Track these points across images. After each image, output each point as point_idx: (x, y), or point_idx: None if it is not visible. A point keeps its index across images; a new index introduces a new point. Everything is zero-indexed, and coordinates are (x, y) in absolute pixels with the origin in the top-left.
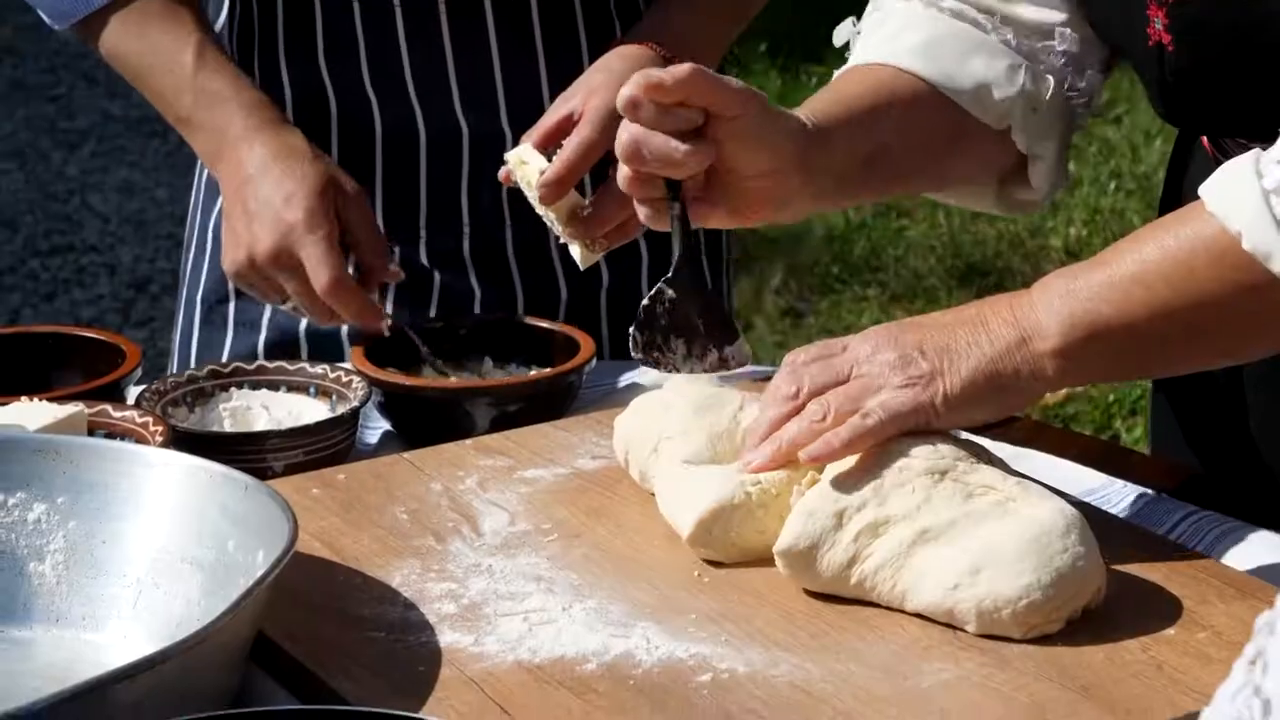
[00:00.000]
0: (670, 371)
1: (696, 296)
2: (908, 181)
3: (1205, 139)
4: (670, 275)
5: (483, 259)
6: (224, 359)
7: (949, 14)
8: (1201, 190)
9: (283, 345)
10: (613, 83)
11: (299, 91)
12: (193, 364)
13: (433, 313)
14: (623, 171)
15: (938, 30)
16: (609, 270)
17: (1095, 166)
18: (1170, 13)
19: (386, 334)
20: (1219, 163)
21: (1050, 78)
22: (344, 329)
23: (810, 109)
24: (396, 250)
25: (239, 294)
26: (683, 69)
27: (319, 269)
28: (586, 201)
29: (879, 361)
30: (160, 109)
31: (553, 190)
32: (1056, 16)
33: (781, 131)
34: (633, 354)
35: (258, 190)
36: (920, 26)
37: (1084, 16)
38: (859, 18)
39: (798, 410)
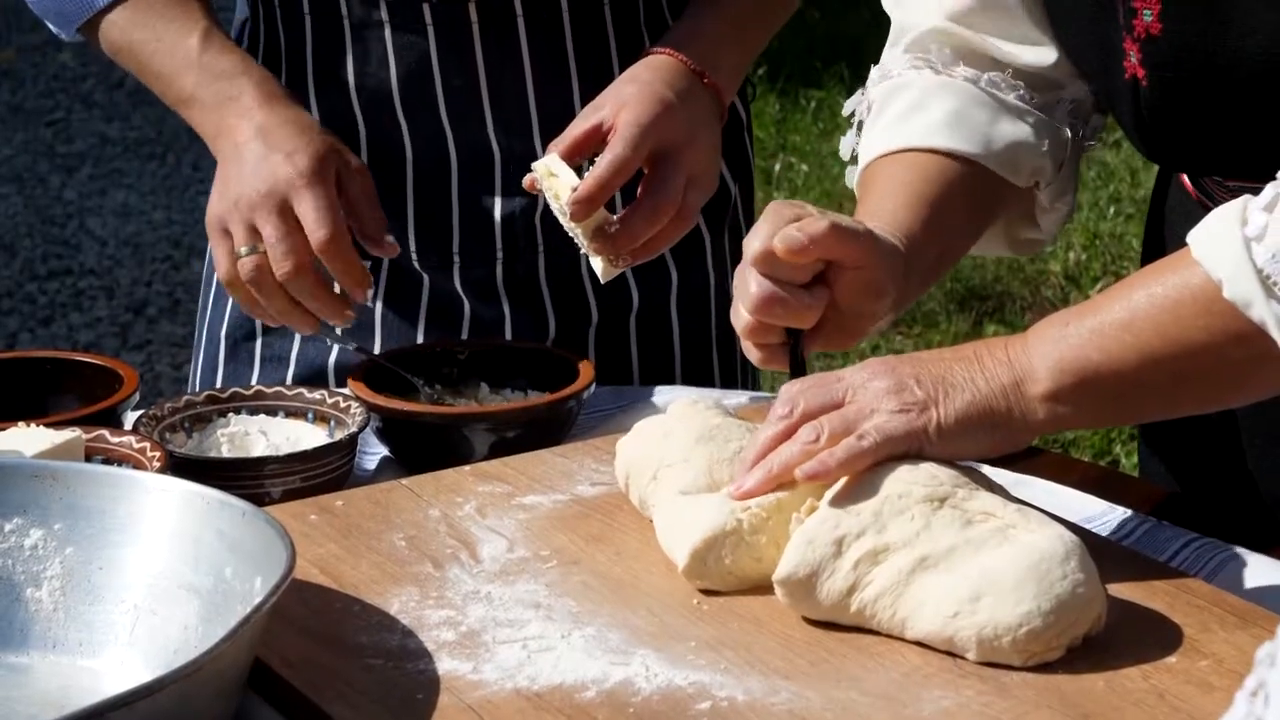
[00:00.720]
0: None
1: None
2: (961, 256)
3: (1188, 183)
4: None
5: (515, 285)
6: None
7: (963, 79)
8: (1189, 238)
9: (310, 381)
10: (643, 94)
11: (327, 119)
12: None
13: (464, 335)
14: (744, 319)
15: (961, 101)
16: (639, 294)
17: (1094, 191)
18: (1144, 47)
19: (351, 319)
20: (1194, 197)
21: (1067, 130)
22: (330, 360)
23: (893, 223)
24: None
25: (266, 330)
26: (819, 227)
27: (319, 222)
28: (614, 218)
29: (874, 388)
30: (160, 92)
31: (584, 208)
32: (1049, 56)
33: (891, 269)
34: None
35: (259, 148)
36: (941, 99)
37: (1064, 54)
38: (863, 85)
39: (790, 432)
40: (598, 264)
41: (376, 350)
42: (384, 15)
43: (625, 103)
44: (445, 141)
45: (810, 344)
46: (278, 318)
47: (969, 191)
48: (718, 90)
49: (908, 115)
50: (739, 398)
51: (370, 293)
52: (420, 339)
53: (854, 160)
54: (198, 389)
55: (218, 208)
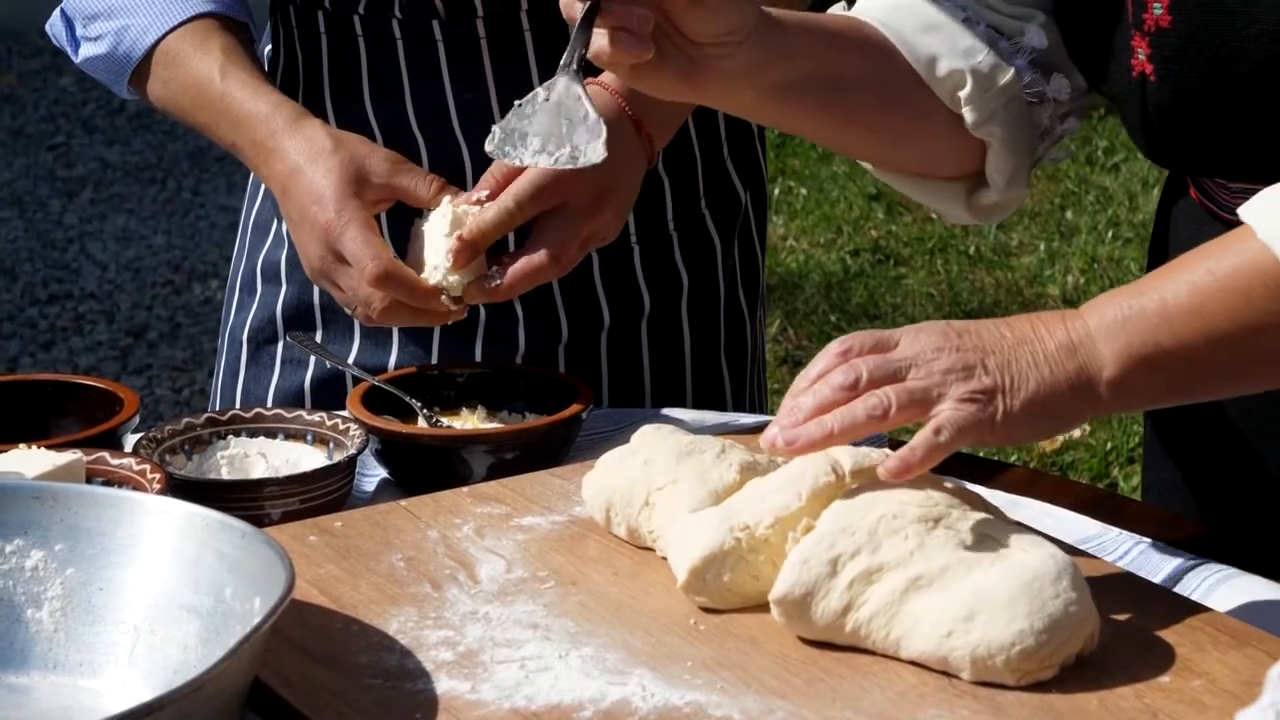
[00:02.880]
0: (517, 163)
1: (570, 98)
2: (866, 128)
3: (1193, 189)
4: (555, 77)
5: (528, 291)
6: (270, 397)
7: None
8: (1246, 215)
9: (329, 383)
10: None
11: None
12: (238, 402)
13: (478, 349)
14: None
15: (908, 1)
16: (650, 298)
17: (1093, 215)
18: (1154, 41)
19: (463, 312)
20: (1206, 209)
21: (1011, 69)
22: (350, 359)
23: (774, 7)
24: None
25: (286, 332)
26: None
27: (363, 260)
28: (494, 271)
29: (940, 367)
30: (214, 141)
31: (463, 255)
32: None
33: (743, 6)
34: (486, 146)
35: (292, 198)
36: None
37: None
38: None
39: (849, 399)
40: (449, 279)
41: (393, 357)
42: (396, 32)
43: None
44: (460, 153)
45: (649, 72)
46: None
47: (879, 60)
48: (651, 140)
49: (863, 6)
50: (746, 419)
51: (452, 279)
52: (436, 347)
53: None
54: (219, 392)
55: (308, 270)
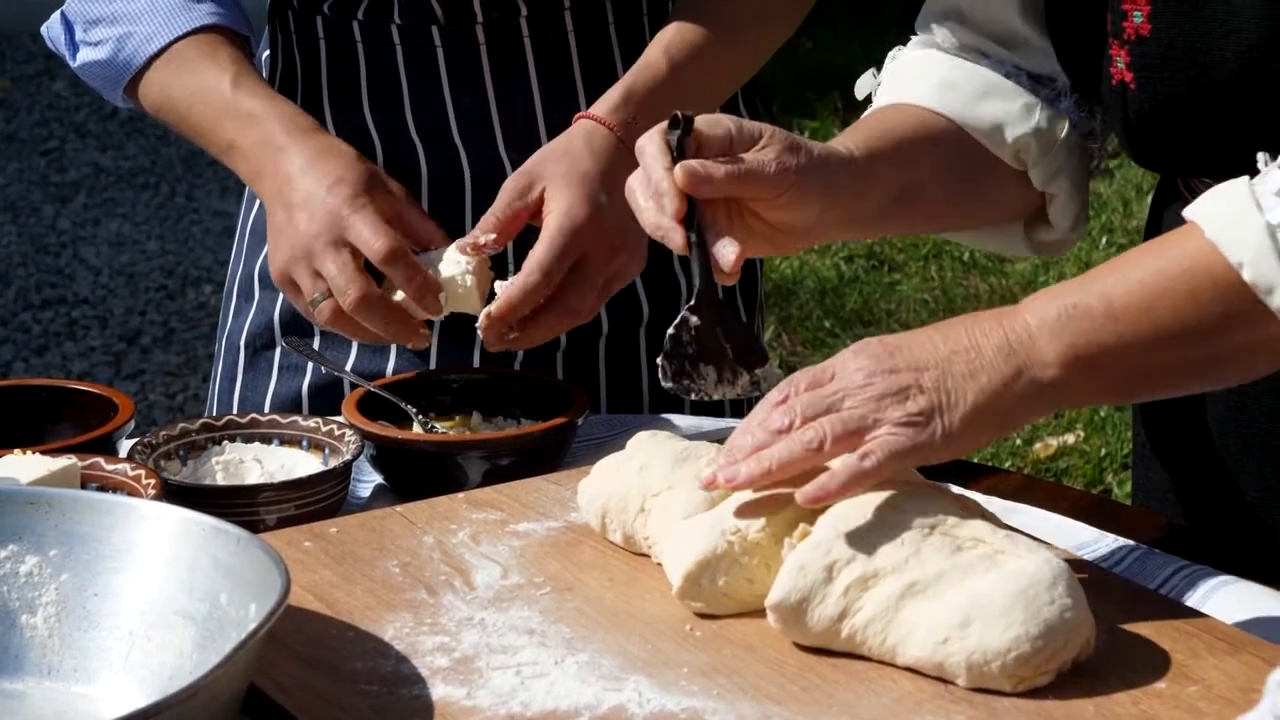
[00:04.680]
0: (703, 397)
1: (721, 321)
2: (938, 218)
3: (1184, 192)
4: (693, 302)
5: None
6: (267, 403)
7: (963, 57)
8: (1193, 214)
9: (327, 389)
10: (574, 195)
11: (346, 141)
12: (235, 407)
13: (476, 353)
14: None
15: (956, 71)
16: (649, 305)
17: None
18: (1133, 50)
19: (427, 339)
20: (1187, 202)
21: (1066, 119)
22: (347, 365)
23: (853, 139)
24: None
25: (283, 338)
26: (720, 170)
27: (374, 237)
28: (514, 335)
29: (873, 394)
30: (205, 145)
31: (494, 332)
32: (1053, 66)
33: (824, 182)
34: (663, 383)
35: (301, 184)
36: (937, 68)
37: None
38: (878, 69)
39: (785, 429)
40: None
41: (391, 363)
42: (395, 38)
43: (554, 197)
44: (459, 160)
45: (744, 250)
46: (381, 338)
47: (946, 147)
48: None
49: (907, 83)
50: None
51: (443, 298)
52: (435, 353)
53: None
54: (216, 398)
55: (280, 259)
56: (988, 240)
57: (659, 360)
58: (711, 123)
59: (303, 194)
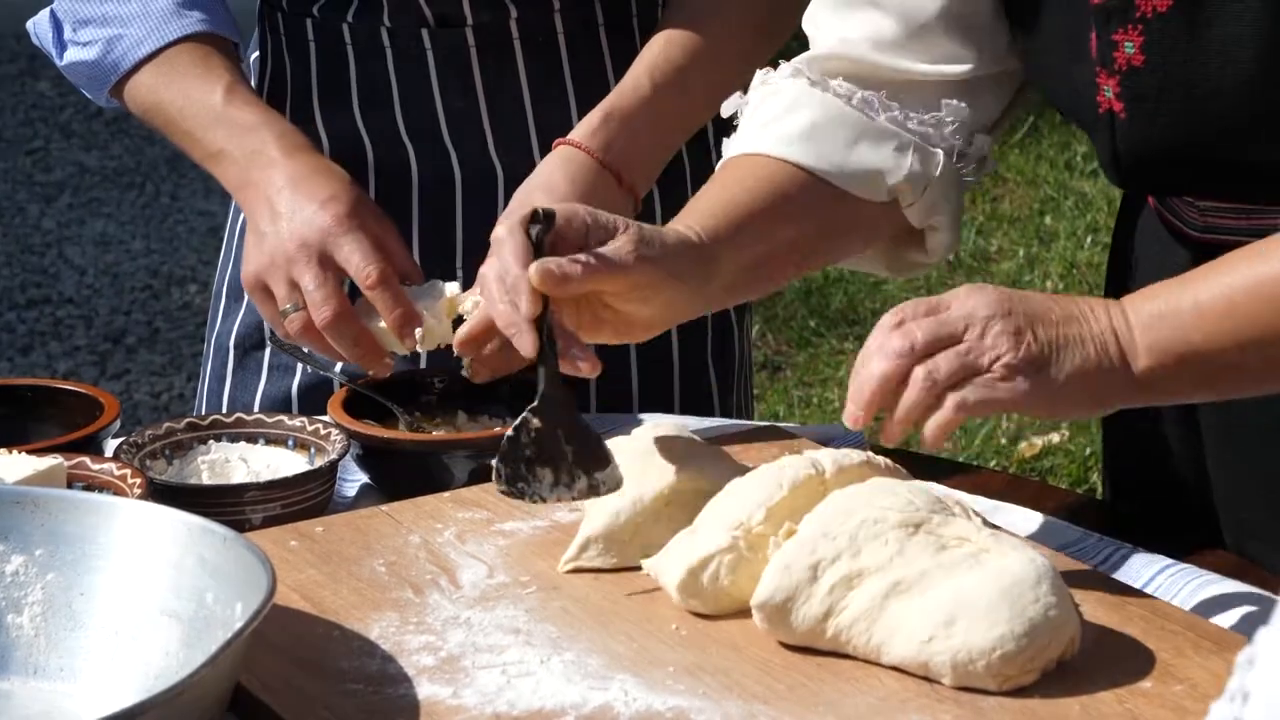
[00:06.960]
0: (536, 501)
1: (563, 424)
2: (798, 271)
3: (1151, 200)
4: (536, 404)
5: None
6: (257, 402)
7: (834, 94)
8: None
9: (316, 389)
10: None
11: (336, 143)
12: (224, 407)
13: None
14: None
15: (824, 115)
16: None
17: (1071, 220)
18: (1124, 80)
19: (389, 368)
20: (1162, 216)
21: (939, 152)
22: (336, 368)
23: (699, 220)
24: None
25: (273, 337)
26: (577, 270)
27: (365, 260)
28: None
29: (994, 331)
30: (188, 149)
31: (469, 348)
32: (958, 70)
33: (669, 274)
34: (497, 488)
35: (290, 198)
36: (805, 110)
37: (996, 59)
38: (745, 91)
39: (907, 366)
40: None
41: None
42: (385, 40)
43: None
44: (449, 162)
45: (590, 335)
46: (344, 358)
47: (809, 205)
48: (633, 191)
49: (769, 123)
50: (731, 425)
51: (419, 334)
52: (424, 357)
53: None
54: (204, 398)
55: (255, 265)
56: (849, 264)
57: (494, 462)
58: (568, 214)
59: (291, 206)
